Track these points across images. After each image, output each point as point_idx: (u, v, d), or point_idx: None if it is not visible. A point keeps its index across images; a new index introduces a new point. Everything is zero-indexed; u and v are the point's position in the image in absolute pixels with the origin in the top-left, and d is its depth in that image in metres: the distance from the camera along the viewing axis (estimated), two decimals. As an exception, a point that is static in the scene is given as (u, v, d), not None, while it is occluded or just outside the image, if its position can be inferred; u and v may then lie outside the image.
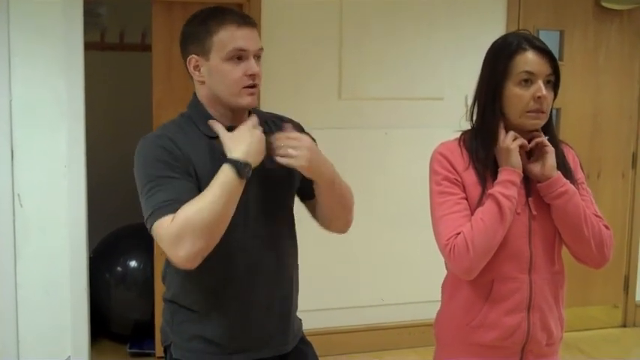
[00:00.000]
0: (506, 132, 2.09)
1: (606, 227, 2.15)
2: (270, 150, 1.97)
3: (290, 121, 2.20)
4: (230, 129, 2.01)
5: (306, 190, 2.14)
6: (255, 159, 1.93)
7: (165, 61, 4.25)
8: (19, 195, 3.65)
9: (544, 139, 2.10)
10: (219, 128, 2.00)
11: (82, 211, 3.85)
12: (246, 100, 2.02)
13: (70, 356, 3.87)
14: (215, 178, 1.89)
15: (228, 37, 1.99)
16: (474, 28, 4.59)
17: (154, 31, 4.29)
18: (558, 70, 2.10)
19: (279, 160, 1.96)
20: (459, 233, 2.04)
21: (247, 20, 2.03)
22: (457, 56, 4.56)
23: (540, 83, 2.05)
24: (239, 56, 1.99)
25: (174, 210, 1.86)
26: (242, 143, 1.93)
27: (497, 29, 4.51)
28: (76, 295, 3.88)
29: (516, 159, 2.07)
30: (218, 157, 1.96)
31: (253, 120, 2.01)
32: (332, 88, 4.51)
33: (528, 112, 2.06)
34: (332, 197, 2.11)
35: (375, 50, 4.55)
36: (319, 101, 4.49)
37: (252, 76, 2.00)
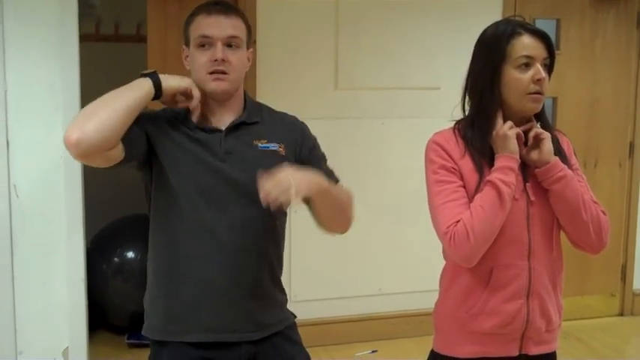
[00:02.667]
0: (504, 121, 2.09)
1: (603, 213, 2.16)
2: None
3: (288, 115, 2.28)
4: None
5: None
6: (170, 81, 2.10)
7: (160, 53, 4.24)
8: (15, 185, 3.64)
9: (538, 128, 2.12)
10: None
11: (78, 201, 3.84)
12: (211, 86, 2.09)
13: (67, 347, 3.86)
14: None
15: (197, 25, 2.10)
16: (471, 17, 4.58)
17: (149, 23, 4.27)
18: (554, 52, 2.11)
19: (274, 206, 1.95)
20: (458, 221, 2.04)
21: (221, 8, 2.10)
22: (454, 46, 4.55)
23: (539, 66, 2.06)
24: (204, 43, 2.08)
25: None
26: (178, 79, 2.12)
27: (493, 18, 4.38)
28: (73, 286, 3.87)
29: (514, 145, 2.07)
30: (196, 142, 2.10)
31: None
32: (328, 79, 4.50)
33: (529, 94, 2.06)
34: (326, 206, 2.12)
35: (372, 40, 4.54)
36: (316, 91, 4.48)
37: (217, 61, 2.06)
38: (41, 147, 3.72)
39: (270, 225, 2.17)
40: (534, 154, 2.10)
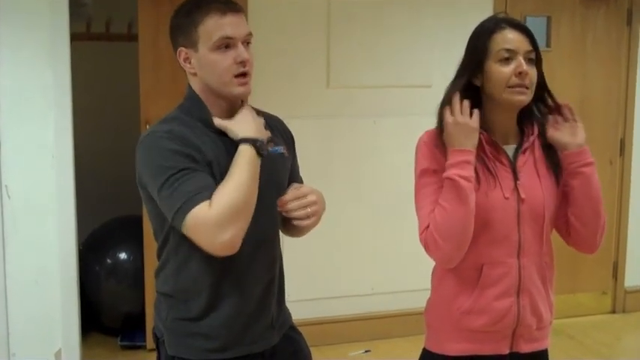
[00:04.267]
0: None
1: None
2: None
3: (274, 116, 2.21)
4: None
5: None
6: (263, 136, 1.94)
7: (152, 51, 4.23)
8: (6, 186, 3.62)
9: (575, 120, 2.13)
10: (220, 121, 1.98)
11: (70, 201, 3.83)
12: (238, 90, 1.99)
13: (60, 349, 3.86)
14: (235, 160, 1.88)
15: (213, 26, 1.95)
16: (462, 15, 4.58)
17: (140, 21, 4.26)
18: (537, 46, 2.10)
19: (300, 223, 1.94)
20: (427, 226, 2.05)
21: (231, 6, 1.98)
22: (445, 44, 4.56)
23: (521, 59, 2.05)
24: (226, 44, 1.95)
25: (208, 197, 1.83)
26: (248, 123, 1.95)
27: (485, 16, 4.42)
28: (65, 286, 3.87)
29: (476, 139, 2.05)
30: (228, 148, 1.94)
31: (247, 106, 2.01)
32: (320, 77, 4.50)
33: (510, 87, 2.05)
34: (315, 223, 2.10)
35: (364, 38, 4.54)
36: (308, 90, 4.48)
37: (243, 62, 1.96)
38: (33, 147, 3.71)
39: (278, 225, 2.15)
40: (566, 137, 2.11)
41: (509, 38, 2.06)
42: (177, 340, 2.07)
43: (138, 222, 4.32)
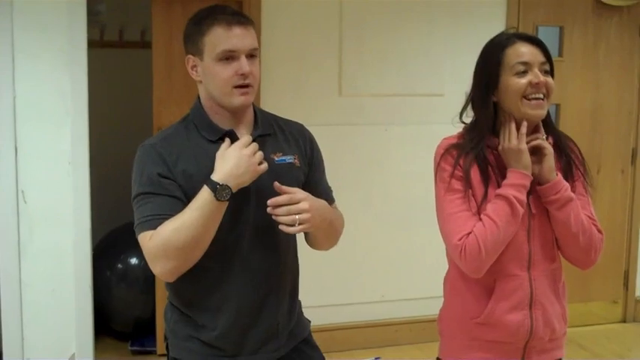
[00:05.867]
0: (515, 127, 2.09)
1: (599, 231, 2.16)
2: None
3: (293, 123, 2.22)
4: (229, 133, 2.03)
5: None
6: (239, 180, 1.92)
7: (165, 59, 4.26)
8: (23, 191, 3.65)
9: (543, 140, 2.11)
10: (223, 145, 2.00)
11: (85, 207, 3.85)
12: (238, 100, 2.01)
13: (74, 354, 3.87)
14: (195, 199, 1.90)
15: (218, 38, 1.98)
16: (474, 24, 4.60)
17: (153, 29, 4.29)
18: (550, 57, 2.11)
19: (285, 229, 1.94)
20: (469, 233, 2.04)
21: (239, 19, 2.01)
22: (457, 52, 4.57)
23: (536, 71, 2.06)
24: (229, 57, 1.98)
25: (155, 226, 1.91)
26: (227, 164, 1.93)
27: (497, 25, 4.52)
28: (80, 292, 3.89)
29: (527, 160, 2.07)
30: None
31: (245, 139, 1.98)
32: (332, 85, 4.51)
33: (526, 97, 2.06)
34: (322, 234, 2.11)
35: (376, 46, 4.55)
36: (319, 98, 4.49)
37: (244, 75, 1.98)
38: (49, 153, 3.74)
39: (283, 236, 2.12)
40: (535, 168, 2.10)
41: (523, 51, 2.07)
42: (178, 343, 2.12)
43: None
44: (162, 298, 4.10)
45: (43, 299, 3.79)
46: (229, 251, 2.03)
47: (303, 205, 1.94)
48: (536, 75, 2.06)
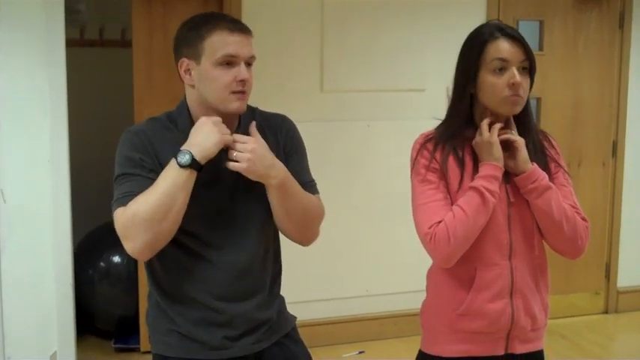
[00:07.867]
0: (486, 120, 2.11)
1: (583, 219, 2.17)
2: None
3: (280, 116, 2.26)
4: None
5: None
6: (202, 146, 1.94)
7: (145, 57, 4.25)
8: (2, 191, 3.62)
9: (510, 134, 2.12)
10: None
11: (65, 206, 3.84)
12: (234, 105, 2.03)
13: (56, 351, 3.86)
14: (163, 171, 1.94)
15: (220, 42, 2.00)
16: (455, 19, 4.61)
17: (134, 27, 4.27)
18: (532, 55, 2.11)
19: (228, 165, 1.98)
20: (439, 222, 2.07)
21: (240, 27, 2.05)
22: (438, 47, 4.59)
23: (514, 70, 2.07)
24: (229, 62, 2.01)
25: (128, 202, 1.92)
26: (195, 135, 1.97)
27: (477, 20, 4.50)
28: (61, 290, 3.87)
29: (498, 152, 2.09)
30: None
31: (215, 118, 2.01)
32: (314, 81, 4.52)
33: (504, 98, 2.07)
34: (283, 204, 2.07)
35: (357, 42, 4.56)
36: (301, 94, 4.49)
37: (242, 81, 2.02)
38: (28, 152, 3.71)
39: (258, 227, 2.14)
40: (510, 162, 2.12)
41: (503, 48, 2.07)
42: (159, 338, 2.14)
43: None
44: (145, 295, 4.08)
45: (23, 297, 3.77)
46: (205, 242, 2.05)
47: (248, 145, 1.98)
48: (513, 75, 2.06)
